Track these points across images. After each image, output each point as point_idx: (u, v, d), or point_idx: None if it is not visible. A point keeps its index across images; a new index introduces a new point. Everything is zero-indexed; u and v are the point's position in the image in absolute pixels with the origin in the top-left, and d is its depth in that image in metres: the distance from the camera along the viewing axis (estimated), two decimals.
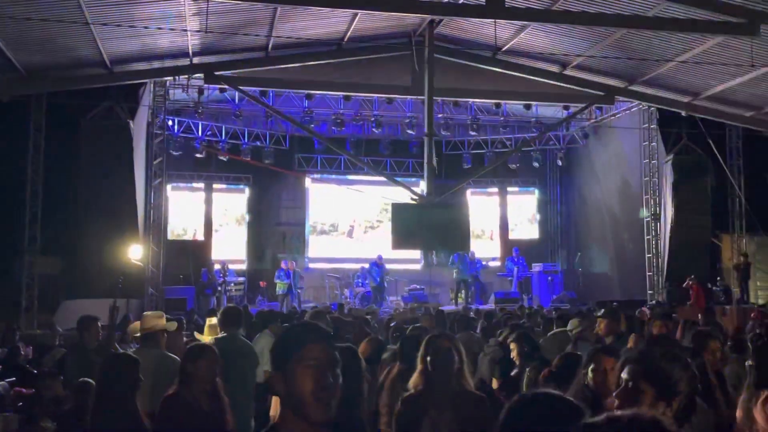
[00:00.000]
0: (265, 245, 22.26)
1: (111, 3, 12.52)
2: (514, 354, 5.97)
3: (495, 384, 6.16)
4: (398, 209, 16.13)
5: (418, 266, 23.01)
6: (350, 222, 23.48)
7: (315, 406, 2.08)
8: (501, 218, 24.64)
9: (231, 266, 20.05)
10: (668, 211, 18.73)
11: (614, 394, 2.56)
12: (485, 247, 23.47)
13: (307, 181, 23.03)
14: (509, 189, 24.76)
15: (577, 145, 22.95)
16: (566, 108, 19.86)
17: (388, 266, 20.23)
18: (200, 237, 21.88)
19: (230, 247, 21.99)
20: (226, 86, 16.83)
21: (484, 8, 12.97)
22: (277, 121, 20.74)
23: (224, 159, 21.05)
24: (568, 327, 7.19)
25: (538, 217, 24.92)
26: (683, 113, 18.20)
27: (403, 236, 15.79)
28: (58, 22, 12.40)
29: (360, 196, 22.49)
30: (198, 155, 20.30)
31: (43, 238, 16.18)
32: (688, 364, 2.61)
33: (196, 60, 16.05)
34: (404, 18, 15.46)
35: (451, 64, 16.83)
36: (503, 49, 16.84)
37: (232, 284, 19.65)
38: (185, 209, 21.85)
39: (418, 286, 20.38)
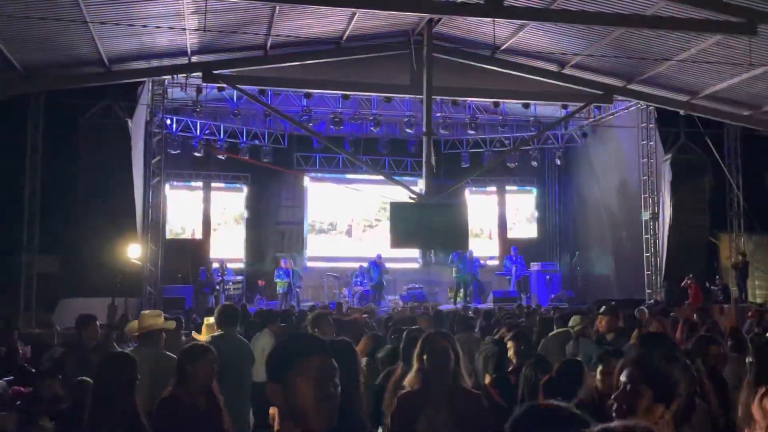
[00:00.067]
0: (264, 244, 22.26)
1: (109, 1, 12.50)
2: (511, 352, 5.98)
3: (487, 379, 6.17)
4: (397, 208, 16.12)
5: (416, 265, 23.01)
6: (348, 221, 23.48)
7: (317, 418, 2.10)
8: (499, 217, 24.66)
9: (229, 265, 20.08)
10: (666, 211, 18.75)
11: (613, 396, 2.56)
12: (484, 246, 23.48)
13: (306, 180, 23.03)
14: (508, 188, 24.78)
15: (576, 145, 22.96)
16: (565, 107, 19.88)
17: (386, 265, 20.23)
18: (198, 236, 21.88)
19: (229, 246, 22.00)
20: (224, 85, 16.81)
21: (483, 7, 12.97)
22: (275, 119, 20.75)
23: (223, 158, 21.06)
24: (570, 324, 7.20)
25: (536, 216, 24.95)
26: (682, 112, 18.22)
27: (401, 235, 15.79)
28: (56, 21, 12.39)
29: (358, 195, 22.50)
30: (196, 154, 20.28)
31: (42, 236, 16.19)
32: (687, 366, 2.61)
33: (194, 59, 16.03)
34: (403, 17, 15.45)
35: (449, 63, 16.82)
36: (502, 48, 16.84)
37: (231, 283, 19.67)
38: (183, 208, 21.85)
39: (416, 285, 20.40)
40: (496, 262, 23.43)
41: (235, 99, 19.35)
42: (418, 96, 16.75)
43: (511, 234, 24.52)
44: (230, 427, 4.51)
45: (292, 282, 19.07)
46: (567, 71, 17.77)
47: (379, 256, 19.92)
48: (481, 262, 21.43)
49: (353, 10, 14.40)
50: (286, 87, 18.25)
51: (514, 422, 1.90)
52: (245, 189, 22.45)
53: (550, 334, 7.45)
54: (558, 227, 24.67)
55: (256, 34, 14.91)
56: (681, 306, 15.62)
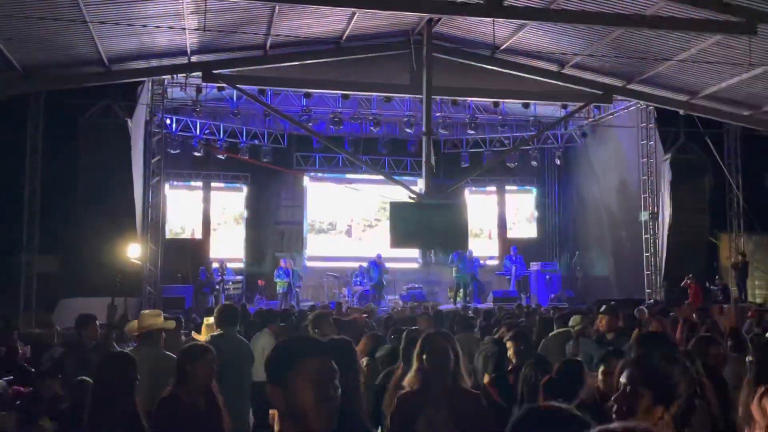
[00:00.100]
0: (264, 244, 22.25)
1: (109, 1, 12.49)
2: (510, 352, 5.99)
3: (486, 378, 6.18)
4: (396, 208, 16.12)
5: (416, 265, 23.02)
6: (348, 221, 23.48)
7: (317, 419, 2.11)
8: (499, 217, 24.67)
9: (229, 265, 20.07)
10: (666, 210, 18.75)
11: (612, 398, 2.57)
12: (483, 246, 23.48)
13: (306, 180, 23.03)
14: (507, 188, 24.78)
15: (576, 144, 22.97)
16: (564, 107, 19.88)
17: (386, 265, 20.23)
18: (198, 236, 21.89)
19: (228, 246, 22.00)
20: (224, 85, 16.81)
21: (483, 7, 12.97)
22: (275, 119, 20.74)
23: (222, 157, 21.06)
24: (570, 323, 7.19)
25: (536, 216, 24.95)
26: (681, 112, 18.21)
27: (401, 235, 15.79)
28: (55, 21, 12.39)
29: (358, 195, 22.50)
30: (196, 154, 20.28)
31: (42, 236, 16.19)
32: (687, 367, 2.61)
33: (194, 58, 16.02)
34: (403, 17, 15.44)
35: (449, 62, 16.81)
36: (501, 48, 16.83)
37: (230, 283, 19.66)
38: (183, 208, 21.85)
39: (416, 285, 20.40)
40: (495, 262, 23.43)
41: (234, 99, 19.35)
42: (417, 96, 16.74)
43: (511, 234, 24.52)
44: (230, 428, 4.51)
45: (291, 282, 19.07)
46: (567, 71, 17.76)
47: (379, 256, 19.92)
48: (481, 262, 21.42)
49: (353, 9, 14.38)
50: (286, 87, 18.25)
51: (514, 424, 1.90)
52: (245, 189, 22.44)
53: (551, 334, 7.45)
54: (558, 227, 24.67)
55: (255, 33, 14.91)
56: (681, 306, 15.62)
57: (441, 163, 19.76)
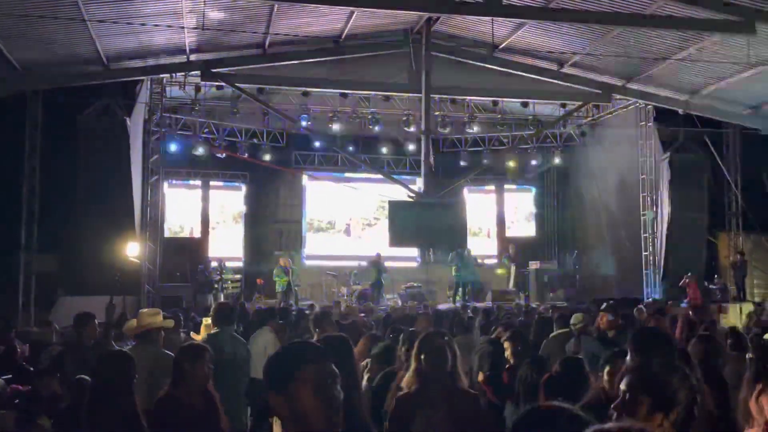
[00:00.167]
0: (262, 243, 22.24)
1: (108, 0, 12.49)
2: (508, 353, 6.00)
3: (480, 377, 6.19)
4: (395, 207, 16.13)
5: (415, 264, 23.01)
6: (347, 219, 23.47)
7: (323, 425, 2.12)
8: (498, 216, 24.66)
9: (228, 263, 20.06)
10: (665, 209, 18.74)
11: (612, 405, 2.56)
12: (482, 245, 23.47)
13: (304, 179, 23.02)
14: (506, 187, 24.76)
15: (575, 143, 22.95)
16: (563, 106, 19.87)
17: (385, 264, 20.20)
18: (197, 234, 21.89)
19: (227, 245, 22.00)
20: (223, 83, 16.80)
21: (482, 6, 12.97)
22: (274, 118, 20.71)
23: (221, 156, 21.03)
24: (572, 321, 7.18)
25: (535, 214, 24.94)
26: (680, 111, 18.20)
27: (400, 234, 15.79)
28: (54, 19, 12.38)
29: (357, 194, 22.48)
30: (195, 153, 20.25)
31: (40, 235, 16.16)
32: (687, 375, 2.61)
33: (193, 57, 16.02)
34: (401, 15, 15.44)
35: (448, 61, 16.81)
36: (500, 46, 16.83)
37: (229, 282, 19.64)
38: (182, 207, 21.85)
39: (415, 284, 20.37)
40: (494, 261, 23.42)
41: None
42: (416, 94, 16.74)
43: (510, 233, 24.51)
44: (228, 427, 4.50)
45: (291, 280, 19.04)
46: (566, 70, 17.76)
47: (378, 255, 19.91)
48: (480, 261, 21.40)
49: (352, 8, 14.38)
50: (285, 85, 18.21)
51: (515, 424, 1.90)
52: (244, 187, 22.43)
53: (551, 335, 7.42)
54: (556, 226, 24.65)
55: (254, 32, 14.92)
56: (681, 306, 15.64)
57: (440, 161, 19.74)
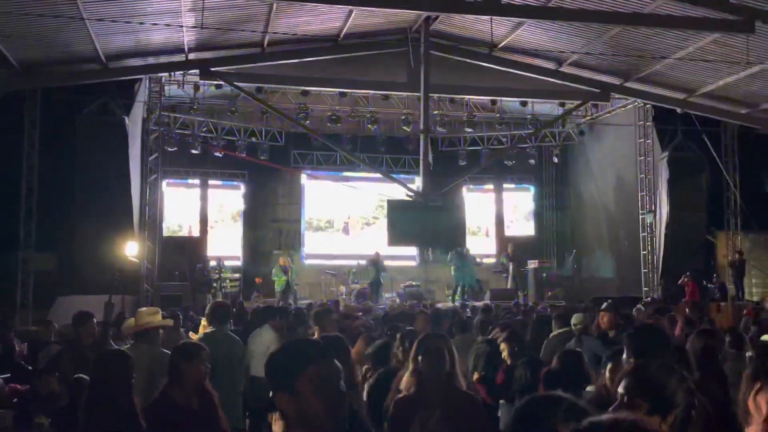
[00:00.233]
0: (261, 242, 22.24)
1: None
2: (505, 354, 6.01)
3: (476, 376, 6.20)
4: (394, 206, 16.13)
5: (414, 263, 23.01)
6: (345, 218, 23.47)
7: (330, 422, 2.12)
8: (496, 215, 24.67)
9: (226, 262, 20.05)
10: (664, 209, 18.76)
11: (610, 409, 2.57)
12: (481, 244, 23.47)
13: (303, 178, 23.01)
14: (505, 186, 24.77)
15: (573, 142, 22.97)
16: (562, 105, 19.88)
17: (384, 263, 20.18)
18: (196, 233, 21.87)
19: (226, 244, 21.99)
20: (221, 82, 16.79)
21: (481, 5, 12.97)
22: (272, 117, 20.70)
23: (220, 155, 21.02)
24: (573, 321, 7.17)
25: (533, 214, 24.95)
26: (679, 110, 18.22)
27: (399, 233, 15.79)
28: (53, 18, 12.35)
29: (356, 193, 22.47)
30: (193, 151, 20.25)
31: (39, 234, 16.15)
32: (684, 377, 2.61)
33: (191, 56, 16.00)
34: (400, 14, 15.44)
35: (447, 60, 16.80)
36: (499, 45, 16.83)
37: (228, 281, 19.63)
38: (180, 205, 21.84)
39: (414, 283, 20.38)
40: (493, 260, 23.42)
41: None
42: (415, 94, 16.73)
43: (509, 232, 24.51)
44: (227, 427, 4.49)
45: (289, 280, 19.03)
46: (564, 69, 17.77)
47: (377, 254, 19.90)
48: (478, 260, 21.40)
49: (351, 7, 14.37)
50: (284, 84, 18.21)
51: (515, 413, 1.91)
52: (242, 186, 22.43)
53: (552, 334, 7.41)
54: (555, 225, 24.65)
55: (253, 31, 14.90)
56: (678, 304, 15.64)
57: (438, 161, 19.74)
